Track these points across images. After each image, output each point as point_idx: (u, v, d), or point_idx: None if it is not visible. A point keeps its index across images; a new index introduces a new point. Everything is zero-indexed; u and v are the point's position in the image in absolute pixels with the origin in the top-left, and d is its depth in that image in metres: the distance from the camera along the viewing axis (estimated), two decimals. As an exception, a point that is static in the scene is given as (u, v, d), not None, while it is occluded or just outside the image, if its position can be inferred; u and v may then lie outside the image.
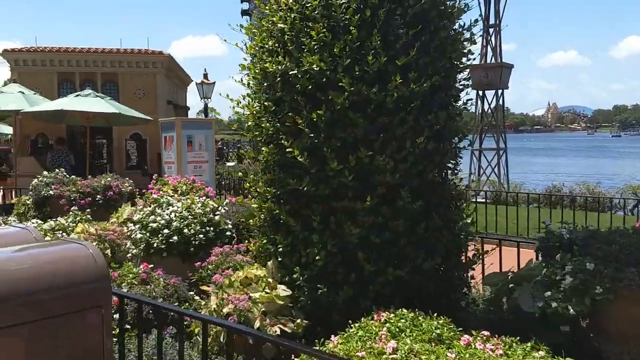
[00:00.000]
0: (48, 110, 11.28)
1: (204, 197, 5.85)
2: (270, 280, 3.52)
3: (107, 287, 2.59)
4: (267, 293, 3.44)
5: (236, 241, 5.16)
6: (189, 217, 4.90)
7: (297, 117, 3.44)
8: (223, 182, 12.53)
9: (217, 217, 5.06)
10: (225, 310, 3.37)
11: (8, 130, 26.98)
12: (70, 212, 6.45)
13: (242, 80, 3.99)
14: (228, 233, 5.05)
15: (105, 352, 2.53)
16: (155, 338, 3.41)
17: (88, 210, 6.64)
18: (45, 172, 8.00)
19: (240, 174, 7.57)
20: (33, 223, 6.32)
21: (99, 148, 15.76)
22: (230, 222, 5.19)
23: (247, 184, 4.22)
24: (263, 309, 3.35)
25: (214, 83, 14.62)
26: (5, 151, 13.72)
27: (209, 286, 4.55)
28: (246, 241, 4.94)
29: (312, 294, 3.42)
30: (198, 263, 4.59)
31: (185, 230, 4.77)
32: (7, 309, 2.27)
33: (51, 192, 7.38)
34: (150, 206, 5.21)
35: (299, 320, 3.34)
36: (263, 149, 3.64)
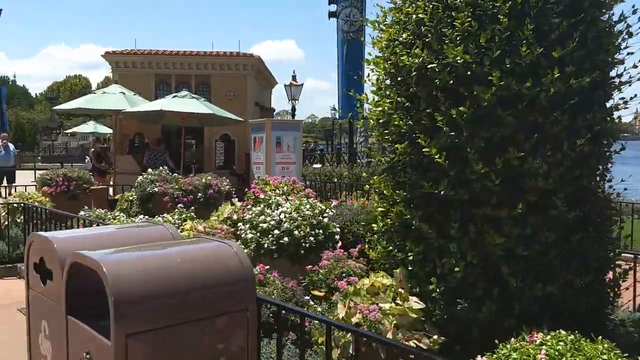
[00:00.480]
0: (148, 111, 11.72)
1: (305, 199, 5.72)
2: (401, 290, 3.27)
3: (252, 289, 2.44)
4: (397, 304, 3.19)
5: (341, 245, 4.97)
6: (299, 218, 4.76)
7: (435, 114, 3.17)
8: (308, 184, 12.46)
9: (325, 220, 4.88)
10: (354, 319, 3.15)
11: (104, 129, 28.74)
12: (176, 210, 6.55)
13: (369, 76, 3.78)
14: (337, 237, 4.87)
15: (249, 359, 2.38)
16: (274, 343, 3.26)
17: (192, 207, 6.73)
18: (149, 170, 8.24)
19: (339, 174, 7.37)
20: (141, 218, 6.47)
21: (188, 148, 16.27)
22: (337, 225, 5.01)
23: (367, 186, 4.00)
24: (395, 322, 3.10)
25: (302, 85, 14.65)
26: (104, 149, 14.44)
27: (320, 291, 4.37)
28: (358, 246, 4.73)
29: (450, 309, 3.12)
30: (309, 266, 4.43)
31: (296, 232, 4.63)
32: (162, 309, 2.17)
33: (155, 189, 7.57)
34: (258, 205, 5.13)
35: (435, 336, 3.06)
36: (397, 146, 3.38)
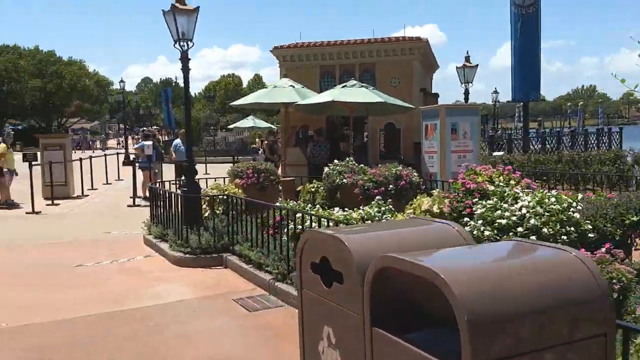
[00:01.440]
0: (318, 102, 11.72)
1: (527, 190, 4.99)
2: None
3: (610, 310, 1.89)
4: None
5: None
6: (545, 213, 4.08)
7: None
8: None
9: (576, 215, 4.14)
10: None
11: (263, 124, 30.17)
12: (373, 202, 6.23)
13: None
14: (591, 235, 4.10)
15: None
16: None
17: (390, 200, 6.38)
18: (335, 161, 8.09)
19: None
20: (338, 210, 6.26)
21: (348, 139, 16.16)
22: (589, 222, 4.23)
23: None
24: None
25: (477, 66, 13.63)
26: (273, 142, 14.90)
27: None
28: (605, 245, 3.92)
29: None
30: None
31: (544, 230, 3.96)
32: (518, 331, 1.72)
33: (345, 180, 7.36)
34: (486, 198, 4.56)
35: None
36: None
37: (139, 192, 13.74)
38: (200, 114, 70.21)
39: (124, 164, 22.08)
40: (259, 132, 29.12)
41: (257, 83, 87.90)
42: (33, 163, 12.45)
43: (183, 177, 9.16)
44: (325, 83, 14.14)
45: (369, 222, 5.74)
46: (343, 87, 11.52)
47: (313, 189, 8.90)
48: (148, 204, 13.24)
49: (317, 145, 13.11)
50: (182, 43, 7.58)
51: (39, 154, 14.23)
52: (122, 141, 55.72)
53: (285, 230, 6.07)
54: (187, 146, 7.98)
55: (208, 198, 7.92)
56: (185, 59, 7.61)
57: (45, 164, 13.57)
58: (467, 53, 14.31)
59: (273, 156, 13.25)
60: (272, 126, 21.94)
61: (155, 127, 68.50)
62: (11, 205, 12.61)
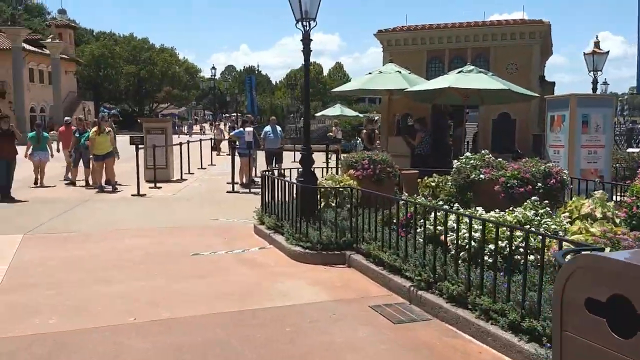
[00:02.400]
0: (431, 89, 10.90)
1: None
2: None
3: None
4: None
5: None
6: None
7: None
8: (625, 173, 10.25)
9: None
10: None
11: (349, 112, 29.63)
12: (526, 203, 5.41)
13: None
14: None
15: None
16: None
17: (535, 199, 5.50)
18: (467, 154, 7.30)
19: None
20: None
21: (447, 129, 15.19)
22: None
23: None
24: None
25: (607, 53, 12.19)
26: (372, 131, 14.21)
27: None
28: None
29: None
30: None
31: None
32: None
33: (482, 176, 6.57)
34: None
35: None
36: None
37: (236, 179, 13.58)
38: (282, 102, 70.94)
39: (213, 149, 22.25)
40: (336, 120, 28.62)
41: (338, 71, 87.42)
42: (139, 146, 12.59)
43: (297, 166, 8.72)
44: (432, 68, 13.26)
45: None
46: (459, 72, 10.60)
47: (433, 184, 8.15)
48: (247, 190, 13.13)
49: (423, 135, 12.38)
50: (304, 23, 7.07)
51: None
52: (204, 127, 57.45)
53: (418, 229, 5.42)
54: (305, 133, 7.51)
55: (323, 190, 7.41)
56: (307, 39, 7.10)
57: (149, 147, 13.74)
58: (597, 38, 12.82)
59: (372, 146, 12.59)
60: (372, 115, 21.23)
61: (237, 114, 70.04)
62: (101, 188, 12.77)
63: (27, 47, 44.43)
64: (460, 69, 10.77)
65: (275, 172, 8.73)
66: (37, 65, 49.57)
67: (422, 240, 5.32)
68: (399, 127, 13.98)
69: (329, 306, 4.95)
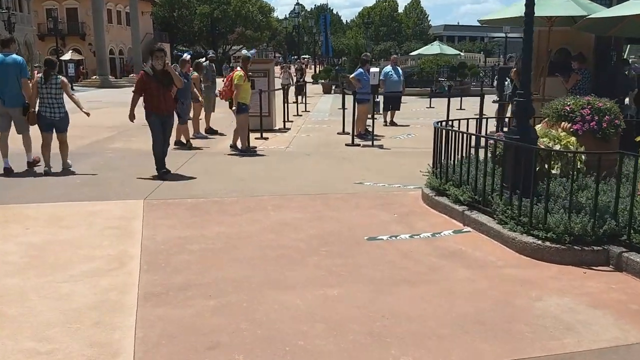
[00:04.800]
0: (616, 16, 8.34)
1: None
2: None
3: None
4: None
5: None
6: None
7: None
8: None
9: None
10: None
11: (451, 51, 26.59)
12: None
13: None
14: None
15: None
16: None
17: None
18: None
19: None
20: None
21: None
22: None
23: None
24: None
25: None
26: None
27: None
28: None
29: None
30: None
31: None
32: None
33: None
34: None
35: None
36: None
37: (354, 129, 11.64)
38: (351, 42, 67.38)
39: (296, 94, 20.13)
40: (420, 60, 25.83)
41: (415, 7, 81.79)
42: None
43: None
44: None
45: None
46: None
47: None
48: (368, 143, 11.22)
49: (582, 75, 10.02)
50: None
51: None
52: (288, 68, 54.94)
53: None
54: (523, 72, 5.41)
55: (553, 154, 5.32)
56: None
57: (254, 91, 12.00)
58: None
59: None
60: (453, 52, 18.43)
61: (306, 56, 67.34)
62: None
63: (105, -14, 43.70)
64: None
65: (451, 123, 6.74)
66: (115, 6, 48.99)
67: None
68: (552, 65, 11.45)
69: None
